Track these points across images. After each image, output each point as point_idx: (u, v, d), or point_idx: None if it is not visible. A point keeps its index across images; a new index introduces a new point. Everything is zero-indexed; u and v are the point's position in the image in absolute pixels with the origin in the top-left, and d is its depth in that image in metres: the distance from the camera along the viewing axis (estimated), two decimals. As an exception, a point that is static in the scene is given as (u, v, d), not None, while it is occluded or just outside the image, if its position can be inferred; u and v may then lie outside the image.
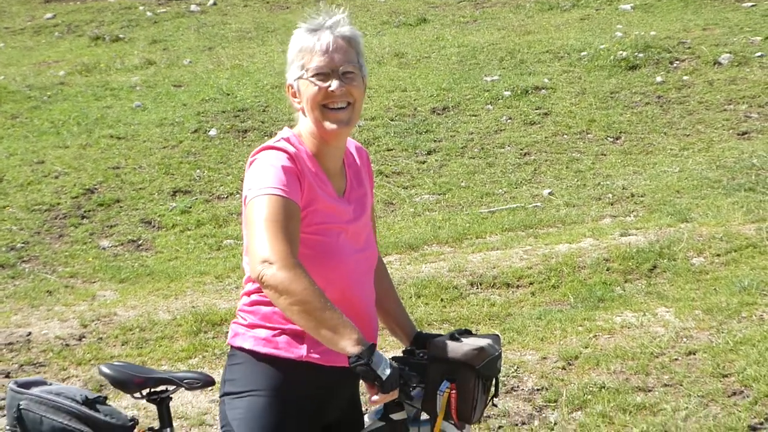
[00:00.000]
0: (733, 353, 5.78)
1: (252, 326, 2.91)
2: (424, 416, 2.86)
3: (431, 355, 2.77)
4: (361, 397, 3.10)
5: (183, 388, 3.32)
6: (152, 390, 3.32)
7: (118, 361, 3.51)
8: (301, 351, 2.85)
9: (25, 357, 6.82)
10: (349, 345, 2.55)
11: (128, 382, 3.28)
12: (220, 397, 2.95)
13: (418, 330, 3.22)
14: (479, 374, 2.74)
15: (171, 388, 3.33)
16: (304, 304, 2.57)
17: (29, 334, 7.25)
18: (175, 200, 10.76)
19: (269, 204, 2.67)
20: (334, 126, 2.84)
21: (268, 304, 2.84)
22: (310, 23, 2.90)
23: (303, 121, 2.93)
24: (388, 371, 2.54)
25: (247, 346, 2.89)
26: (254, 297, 2.92)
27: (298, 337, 2.84)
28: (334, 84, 2.80)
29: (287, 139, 2.89)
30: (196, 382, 3.34)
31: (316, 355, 2.85)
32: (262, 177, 2.73)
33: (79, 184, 11.08)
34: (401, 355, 3.03)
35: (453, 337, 2.81)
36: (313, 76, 2.81)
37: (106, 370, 3.31)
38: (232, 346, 2.97)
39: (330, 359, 2.85)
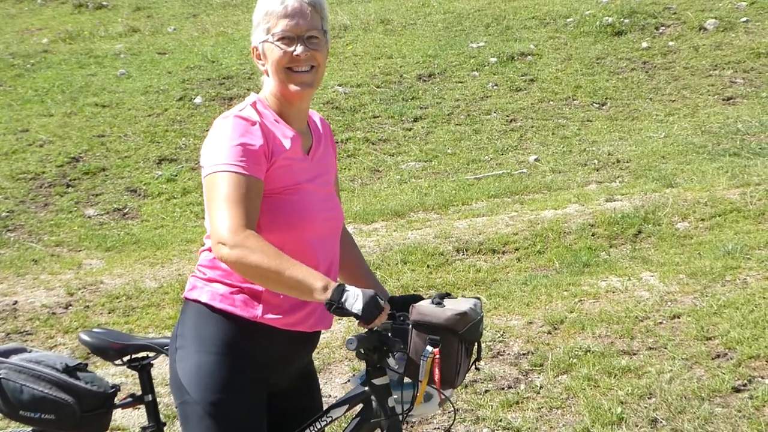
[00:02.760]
0: (717, 316, 5.82)
1: (210, 280, 2.90)
2: (407, 380, 2.87)
3: (414, 320, 2.76)
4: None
5: (164, 355, 3.31)
6: (133, 357, 3.31)
7: (99, 328, 3.49)
8: (256, 311, 2.85)
9: (11, 326, 6.82)
10: (318, 293, 2.58)
11: (108, 349, 3.27)
12: (171, 353, 2.93)
13: (391, 295, 3.23)
14: (462, 339, 2.74)
15: (152, 354, 3.33)
16: (265, 272, 2.60)
17: (15, 303, 7.24)
18: (161, 168, 10.73)
19: (227, 181, 2.69)
20: (297, 88, 2.87)
21: None
22: None
23: (267, 83, 2.95)
24: (360, 304, 2.56)
25: (203, 299, 2.89)
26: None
27: (255, 296, 2.85)
28: (299, 48, 2.84)
29: (254, 105, 2.90)
30: None
31: (271, 316, 2.85)
32: (221, 150, 2.74)
33: (64, 152, 11.03)
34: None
35: (434, 301, 2.80)
36: (278, 40, 2.84)
37: (85, 337, 3.30)
38: (186, 299, 2.96)
39: (285, 323, 2.86)
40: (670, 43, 13.60)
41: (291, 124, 2.93)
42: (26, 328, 6.80)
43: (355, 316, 2.57)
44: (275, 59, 2.85)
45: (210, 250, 2.90)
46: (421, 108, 12.17)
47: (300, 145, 2.92)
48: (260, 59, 2.92)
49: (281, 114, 2.92)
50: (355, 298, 2.57)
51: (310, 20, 2.86)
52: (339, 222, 3.09)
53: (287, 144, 2.86)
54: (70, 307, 7.17)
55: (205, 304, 2.87)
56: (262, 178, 2.75)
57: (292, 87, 2.86)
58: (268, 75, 2.92)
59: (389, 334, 2.75)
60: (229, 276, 2.85)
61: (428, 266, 7.50)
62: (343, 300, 2.56)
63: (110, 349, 3.27)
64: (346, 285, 2.61)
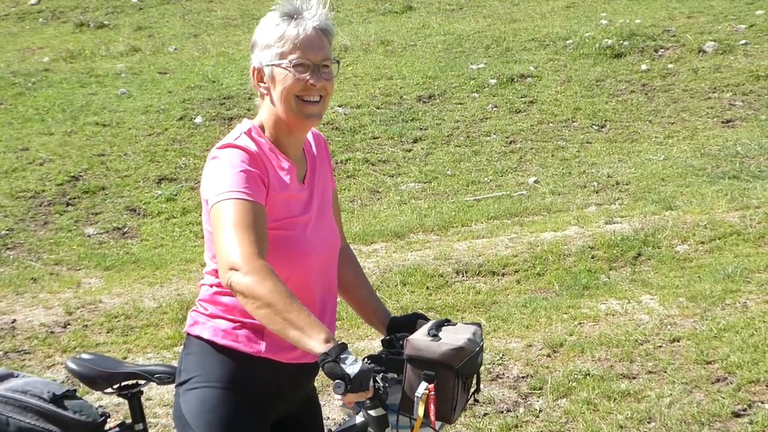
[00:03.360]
0: (717, 340, 5.81)
1: (212, 316, 2.87)
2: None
3: (408, 355, 2.67)
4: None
5: (154, 383, 3.27)
6: (122, 384, 3.26)
7: (88, 354, 3.42)
8: (260, 347, 2.82)
9: (10, 344, 6.80)
10: (317, 345, 2.47)
11: (96, 377, 3.22)
12: (176, 387, 2.90)
13: (393, 315, 3.19)
14: (459, 373, 2.64)
15: (142, 382, 3.29)
16: (269, 306, 2.51)
17: (14, 321, 7.23)
18: (161, 188, 10.73)
19: (234, 208, 2.63)
20: (307, 119, 2.83)
21: (230, 294, 2.78)
22: (286, 7, 2.83)
23: (267, 108, 2.88)
24: (357, 368, 2.44)
25: (205, 335, 2.86)
26: (216, 288, 2.87)
27: (258, 332, 2.81)
28: (313, 78, 2.78)
29: (248, 133, 2.84)
30: (167, 377, 3.26)
31: (275, 351, 2.82)
32: (224, 179, 2.69)
33: (64, 171, 11.04)
34: (381, 350, 2.98)
35: (431, 332, 2.69)
36: (293, 67, 2.77)
37: (72, 365, 3.24)
38: (189, 335, 2.93)
39: (288, 356, 2.83)
40: (670, 66, 13.64)
41: (287, 152, 2.87)
42: (24, 347, 6.78)
43: (345, 377, 2.43)
44: (288, 86, 2.78)
45: (212, 285, 2.87)
46: (420, 129, 12.19)
47: (295, 176, 2.88)
48: (263, 81, 2.85)
49: (277, 141, 2.87)
50: (353, 361, 2.45)
51: (325, 49, 2.81)
52: (336, 248, 3.04)
53: (283, 176, 2.82)
54: (68, 326, 7.15)
55: (208, 341, 2.85)
56: (265, 204, 2.73)
57: (301, 116, 2.81)
58: (272, 100, 2.85)
59: (383, 369, 2.68)
60: (232, 311, 2.82)
61: (428, 288, 7.49)
62: (342, 357, 2.45)
63: (99, 377, 3.22)
64: (348, 347, 2.51)
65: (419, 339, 2.67)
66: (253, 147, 2.78)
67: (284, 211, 2.80)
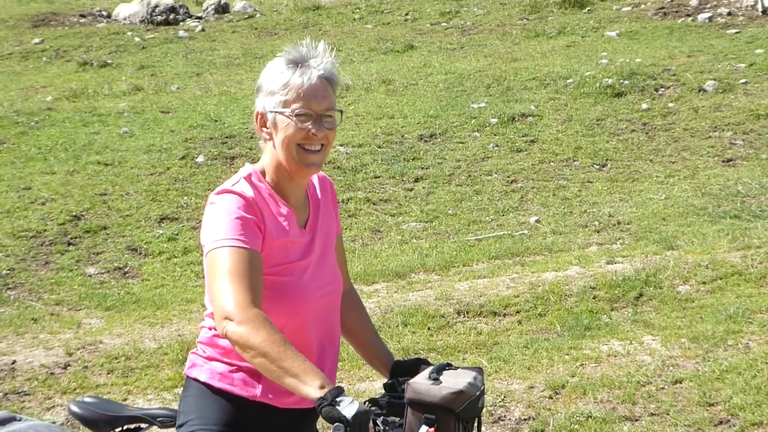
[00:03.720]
0: (720, 382, 5.79)
1: (210, 359, 2.90)
2: None
3: (409, 398, 2.68)
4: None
5: (156, 426, 3.27)
6: (125, 428, 3.26)
7: (89, 397, 3.42)
8: (255, 391, 2.84)
9: (9, 385, 6.78)
10: (312, 390, 2.49)
11: (98, 420, 3.22)
12: (176, 429, 2.93)
13: (396, 359, 3.19)
14: (459, 417, 2.64)
15: (144, 426, 3.29)
16: (264, 356, 2.53)
17: (14, 362, 7.21)
18: (162, 227, 10.74)
19: (229, 256, 2.66)
20: (307, 168, 2.85)
21: None
22: (292, 54, 2.86)
23: (269, 152, 2.91)
24: (353, 409, 2.45)
25: (202, 378, 2.89)
26: (214, 331, 2.90)
27: (254, 376, 2.83)
28: (315, 128, 2.80)
29: (248, 178, 2.88)
30: (169, 420, 3.26)
31: (272, 395, 2.84)
32: (220, 226, 2.72)
33: (66, 210, 11.05)
34: (382, 393, 2.99)
35: (432, 376, 2.69)
36: (296, 116, 2.80)
37: (75, 408, 3.24)
38: (188, 377, 2.97)
39: (284, 401, 2.83)
40: (670, 105, 13.69)
41: (287, 198, 2.89)
42: (24, 389, 6.76)
43: (343, 420, 2.44)
44: (289, 135, 2.81)
45: (210, 328, 2.89)
46: (422, 168, 12.22)
47: (295, 222, 2.89)
48: (266, 126, 2.88)
49: (278, 186, 2.89)
50: (349, 403, 2.47)
51: (329, 98, 2.83)
52: (338, 293, 3.05)
53: (282, 222, 2.84)
54: (68, 367, 7.13)
55: (205, 383, 2.86)
56: (261, 250, 2.74)
57: (301, 165, 2.83)
58: (274, 146, 2.87)
59: (385, 411, 2.69)
60: (228, 354, 2.83)
61: (429, 328, 7.48)
62: (338, 400, 2.46)
63: (101, 420, 3.22)
64: (345, 390, 2.52)
65: (420, 382, 2.68)
66: (250, 193, 2.81)
67: (281, 256, 2.82)
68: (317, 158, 2.85)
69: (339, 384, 2.57)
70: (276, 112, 2.83)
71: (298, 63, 2.83)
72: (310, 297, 2.86)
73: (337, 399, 2.47)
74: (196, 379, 2.91)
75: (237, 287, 2.61)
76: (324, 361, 2.95)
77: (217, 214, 2.75)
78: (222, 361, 2.86)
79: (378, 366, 3.22)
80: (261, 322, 2.56)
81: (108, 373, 7.01)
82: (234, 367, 2.84)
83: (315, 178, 3.11)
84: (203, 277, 9.42)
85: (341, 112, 2.91)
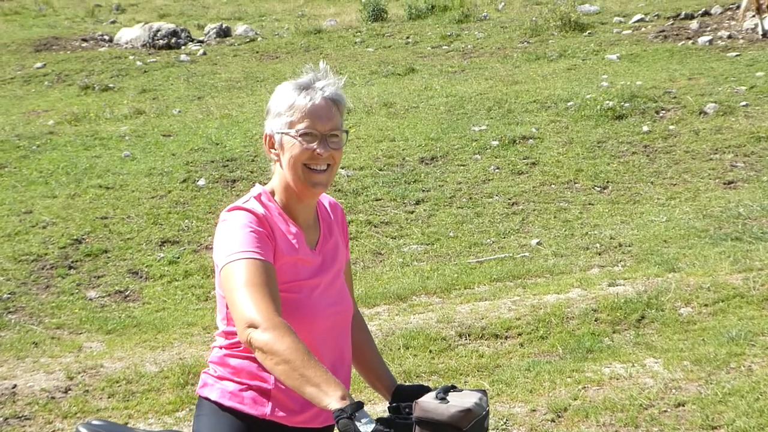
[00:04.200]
0: (722, 405, 5.77)
1: (221, 378, 2.94)
2: None
3: (417, 417, 2.71)
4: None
5: None
6: None
7: (98, 420, 3.42)
8: (265, 409, 2.86)
9: (10, 410, 6.76)
10: (333, 401, 2.51)
11: None
12: None
13: (399, 383, 3.21)
14: None
15: None
16: (287, 363, 2.55)
17: (14, 386, 7.19)
18: (163, 250, 10.74)
19: (246, 268, 2.70)
20: (313, 187, 2.90)
21: (238, 357, 2.89)
22: (301, 78, 2.93)
23: (278, 174, 2.97)
24: (370, 428, 2.49)
25: (213, 397, 2.92)
26: (225, 351, 2.95)
27: (264, 394, 2.86)
28: (320, 148, 2.84)
29: (258, 198, 2.93)
30: None
31: (281, 414, 2.86)
32: (235, 240, 2.76)
33: (67, 234, 11.05)
34: (388, 414, 3.01)
35: (438, 396, 2.75)
36: (301, 136, 2.84)
37: (84, 430, 3.28)
38: (200, 396, 3.00)
39: (294, 420, 2.85)
40: (671, 127, 13.71)
41: (296, 218, 2.94)
42: (25, 413, 6.74)
43: None
44: (295, 155, 2.86)
45: (222, 347, 2.91)
46: (423, 191, 12.23)
47: (304, 241, 2.92)
48: (274, 148, 2.93)
49: (287, 207, 2.94)
50: (368, 421, 2.50)
51: (334, 119, 2.88)
52: (347, 314, 3.08)
53: (291, 240, 2.87)
54: (69, 392, 7.11)
55: (215, 402, 2.89)
56: (275, 263, 2.77)
57: (308, 185, 2.87)
58: (281, 167, 2.92)
59: (392, 431, 2.71)
60: (239, 374, 2.87)
61: (430, 351, 7.46)
62: (357, 415, 2.49)
63: None
64: (364, 406, 2.55)
65: (428, 401, 2.71)
66: (260, 210, 2.87)
67: (291, 273, 2.86)
68: (323, 178, 2.90)
69: (359, 400, 2.58)
70: (282, 133, 2.89)
71: (304, 86, 2.88)
72: (320, 315, 2.89)
73: (357, 414, 2.49)
74: (207, 398, 2.95)
75: (258, 297, 2.65)
76: (343, 379, 2.98)
77: (230, 229, 2.80)
78: (232, 380, 2.90)
79: (380, 389, 3.24)
80: (287, 330, 2.60)
81: (109, 397, 6.98)
82: (244, 386, 2.88)
83: (326, 203, 3.16)
84: (204, 300, 9.42)
85: (347, 132, 2.94)
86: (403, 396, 3.05)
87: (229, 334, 2.92)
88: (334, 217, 3.15)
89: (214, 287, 9.03)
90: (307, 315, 2.86)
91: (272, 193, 2.98)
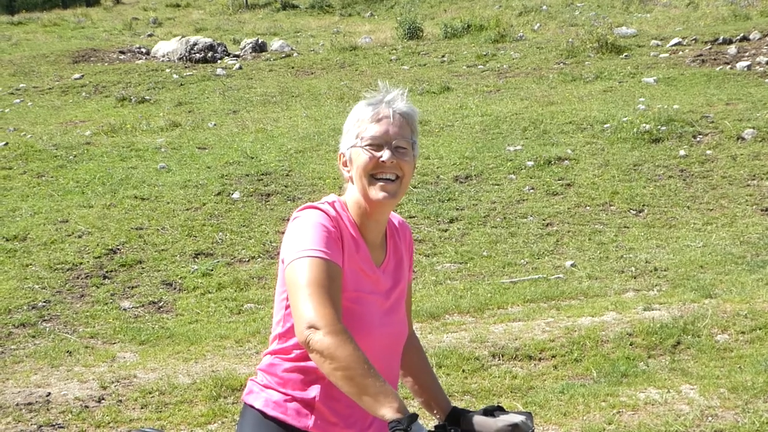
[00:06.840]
0: (760, 434, 5.71)
1: (266, 387, 2.94)
2: None
3: (465, 430, 2.75)
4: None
5: None
6: None
7: (150, 429, 3.46)
8: (308, 421, 2.86)
9: (44, 418, 6.79)
10: (389, 412, 2.51)
11: None
12: None
13: (454, 405, 3.21)
14: None
15: None
16: (347, 369, 2.55)
17: (49, 394, 7.22)
18: (197, 262, 10.78)
19: (312, 267, 2.69)
20: (380, 196, 2.85)
21: (288, 361, 2.89)
22: (371, 98, 2.95)
23: (351, 190, 2.95)
24: None
25: (257, 405, 2.92)
26: (275, 359, 2.94)
27: (308, 406, 2.86)
28: (386, 155, 2.83)
29: (332, 204, 2.93)
30: None
31: (324, 427, 2.86)
32: (304, 238, 2.75)
33: (102, 244, 11.13)
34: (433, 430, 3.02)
35: (487, 412, 2.79)
36: (366, 145, 2.85)
37: None
38: (244, 403, 3.01)
39: None
40: (708, 152, 13.63)
41: (366, 236, 2.92)
42: (58, 421, 6.76)
43: None
44: (361, 164, 2.85)
45: (273, 353, 2.91)
46: (457, 209, 12.21)
47: (370, 258, 2.92)
48: (346, 165, 2.93)
49: (359, 224, 2.93)
50: None
51: (400, 129, 2.88)
52: (401, 336, 3.06)
53: (358, 252, 2.87)
54: (102, 401, 7.13)
55: (259, 410, 2.90)
56: (342, 267, 2.76)
57: (375, 193, 2.84)
58: (352, 182, 2.92)
59: None
60: (285, 384, 2.87)
61: (463, 371, 7.42)
62: (411, 427, 2.49)
63: None
64: (419, 419, 2.56)
65: (477, 416, 2.82)
66: (333, 212, 2.87)
67: (354, 283, 2.85)
68: (391, 187, 2.86)
69: (415, 412, 2.59)
70: (350, 147, 2.91)
71: (373, 102, 2.92)
72: (375, 330, 2.88)
73: (412, 427, 2.50)
74: (251, 406, 2.95)
75: (322, 298, 2.64)
76: None
77: (301, 227, 2.80)
78: (278, 390, 2.90)
79: (434, 407, 3.23)
80: (349, 338, 2.59)
81: (142, 408, 7.00)
82: (288, 397, 2.88)
83: (396, 221, 3.14)
84: (237, 313, 9.38)
85: (414, 143, 2.94)
86: (455, 418, 3.06)
87: (282, 337, 2.90)
88: (402, 236, 3.14)
89: (247, 300, 9.04)
90: (364, 328, 2.85)
91: (345, 206, 2.97)
